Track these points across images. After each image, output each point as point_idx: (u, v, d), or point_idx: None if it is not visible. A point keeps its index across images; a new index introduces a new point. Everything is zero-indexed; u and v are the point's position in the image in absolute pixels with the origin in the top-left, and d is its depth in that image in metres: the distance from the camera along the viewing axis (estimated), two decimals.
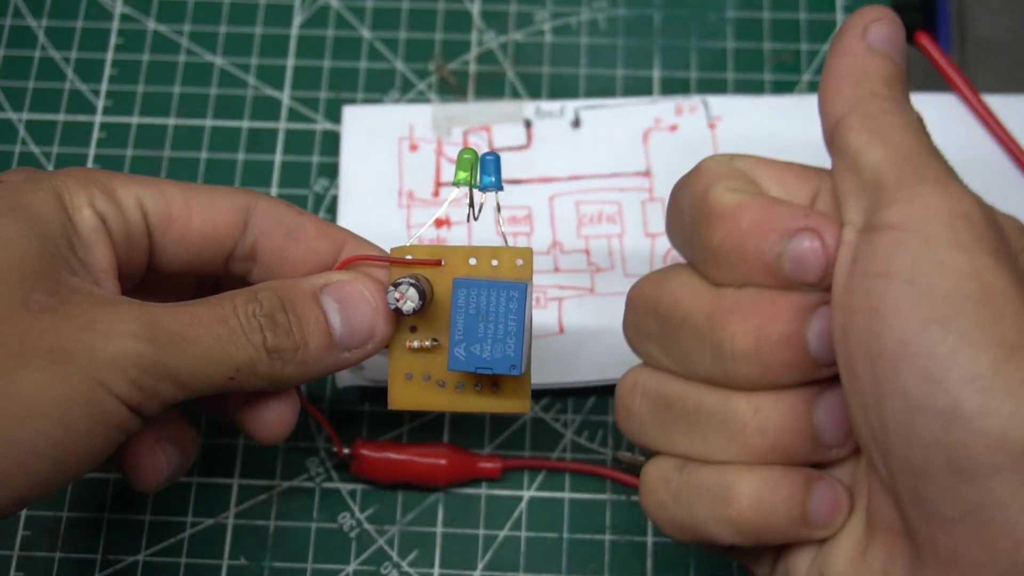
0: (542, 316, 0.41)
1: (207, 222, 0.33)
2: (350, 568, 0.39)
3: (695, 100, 0.45)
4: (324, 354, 0.33)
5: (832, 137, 0.28)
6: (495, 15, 0.47)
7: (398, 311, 0.32)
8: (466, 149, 0.34)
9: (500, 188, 0.34)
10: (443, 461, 0.39)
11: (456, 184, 0.34)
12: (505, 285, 0.31)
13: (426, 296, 0.32)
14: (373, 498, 0.40)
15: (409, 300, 0.32)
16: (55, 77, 0.46)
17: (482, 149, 0.44)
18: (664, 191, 0.43)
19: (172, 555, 0.39)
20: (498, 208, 0.35)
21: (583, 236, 0.43)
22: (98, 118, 0.46)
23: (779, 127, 0.44)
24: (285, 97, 0.46)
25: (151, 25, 0.47)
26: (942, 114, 0.44)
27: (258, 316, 0.31)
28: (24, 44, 0.47)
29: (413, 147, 0.44)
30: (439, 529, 0.39)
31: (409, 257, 0.33)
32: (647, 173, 0.43)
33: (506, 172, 0.43)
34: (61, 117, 0.46)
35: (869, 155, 0.26)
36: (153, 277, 0.34)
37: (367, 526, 0.40)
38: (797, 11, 0.47)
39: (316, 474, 0.40)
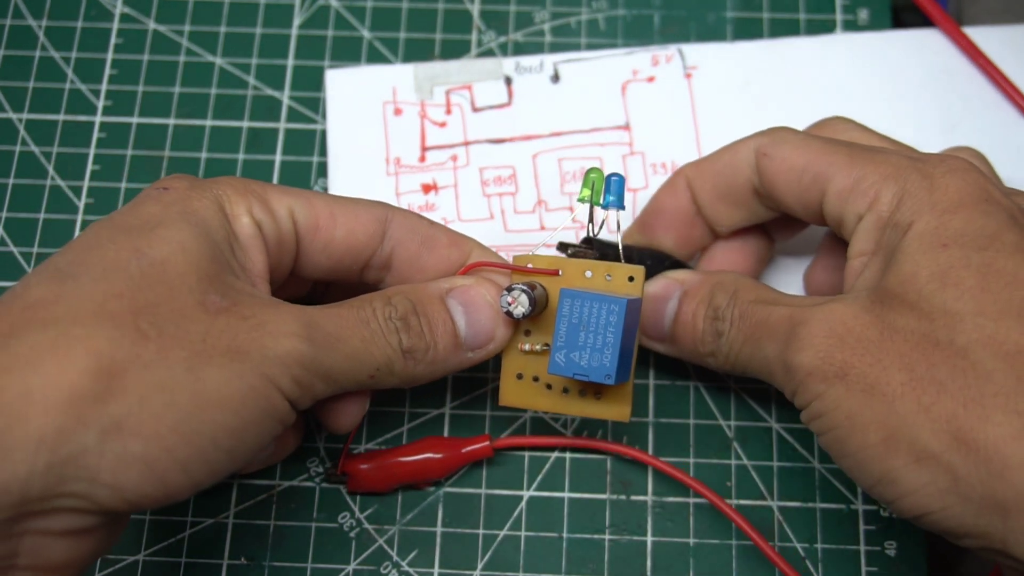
0: None
1: (350, 232, 0.35)
2: (350, 568, 0.39)
3: (671, 49, 0.45)
4: (451, 354, 0.35)
5: None
6: (495, 15, 0.47)
7: (509, 314, 0.34)
8: (593, 169, 0.36)
9: (621, 207, 0.36)
10: (431, 454, 0.39)
11: (580, 200, 0.36)
12: (608, 299, 0.33)
13: (536, 302, 0.34)
14: (373, 498, 0.40)
15: (520, 305, 0.34)
16: (55, 77, 0.46)
17: (465, 108, 0.44)
18: (643, 144, 0.44)
19: (172, 555, 0.39)
20: (618, 227, 0.37)
21: (566, 193, 0.43)
22: (98, 118, 0.46)
23: (754, 74, 0.45)
24: (285, 97, 0.46)
25: (151, 25, 0.47)
26: (914, 51, 0.45)
27: (394, 319, 0.34)
28: (24, 44, 0.47)
29: (397, 111, 0.44)
30: (439, 529, 0.40)
31: (530, 265, 0.36)
32: (627, 127, 0.44)
33: (489, 131, 0.44)
34: (61, 117, 0.46)
35: None
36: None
37: (367, 526, 0.40)
38: (797, 11, 0.47)
39: (316, 474, 0.40)
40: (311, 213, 0.34)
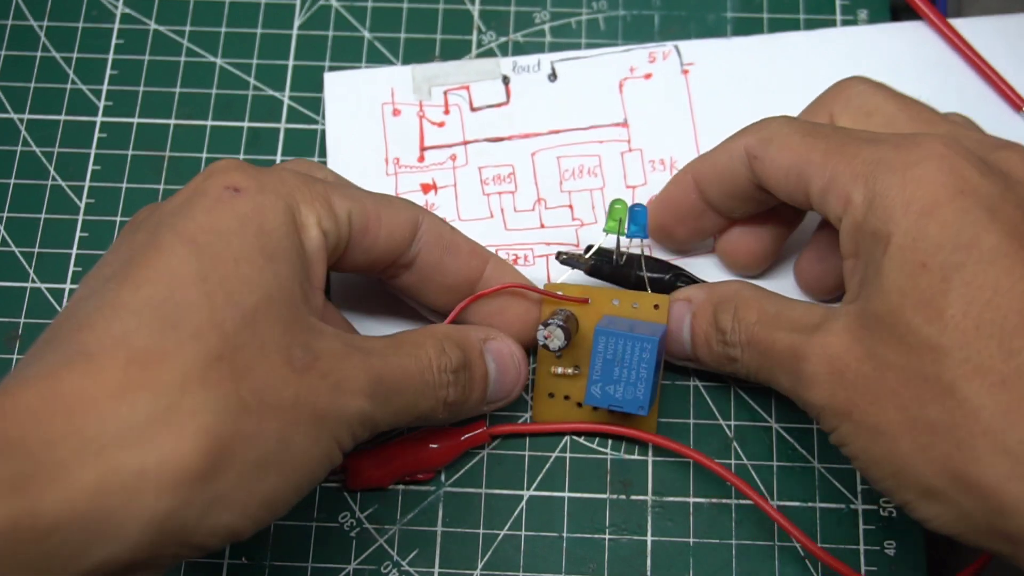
0: (531, 272, 0.42)
1: (391, 234, 0.35)
2: (350, 567, 0.39)
3: (667, 46, 0.45)
4: (476, 407, 0.37)
5: None
6: (495, 15, 0.47)
7: (545, 347, 0.36)
8: (617, 200, 0.38)
9: (645, 236, 0.38)
10: (432, 445, 0.39)
11: (606, 231, 0.38)
12: (640, 338, 0.35)
13: (571, 336, 0.37)
14: (373, 497, 0.40)
15: (555, 339, 0.36)
16: (56, 77, 0.46)
17: (463, 108, 0.45)
18: (641, 141, 0.44)
19: None
20: (642, 253, 0.39)
21: (566, 191, 0.43)
22: (99, 118, 0.46)
23: (751, 69, 0.45)
24: (285, 97, 0.46)
25: (152, 26, 0.47)
26: (909, 43, 0.45)
27: (448, 372, 0.34)
28: (26, 45, 0.47)
29: (396, 112, 0.45)
30: (439, 528, 0.40)
31: (560, 293, 0.38)
32: (624, 123, 0.44)
33: (488, 131, 0.45)
34: (62, 117, 0.46)
35: None
36: None
37: (367, 525, 0.40)
38: (797, 11, 0.47)
39: None
40: (363, 216, 0.34)
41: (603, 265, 0.39)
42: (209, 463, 0.27)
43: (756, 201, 0.37)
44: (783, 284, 0.41)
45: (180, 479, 0.27)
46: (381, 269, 0.36)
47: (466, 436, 0.39)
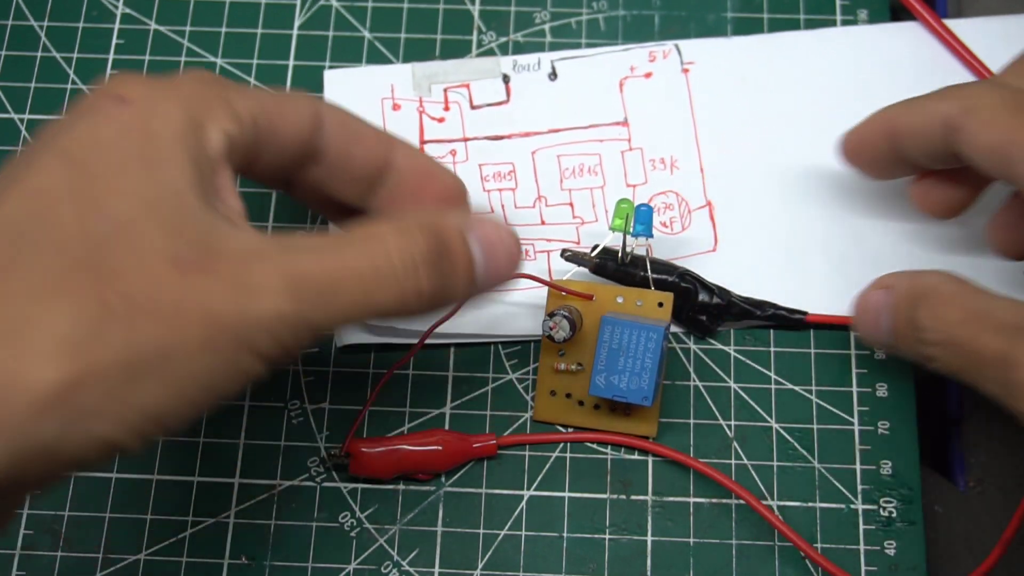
0: (531, 268, 0.42)
1: (297, 133, 0.33)
2: (350, 567, 0.39)
3: (667, 45, 0.45)
4: (466, 295, 0.32)
5: None
6: (495, 15, 0.47)
7: (551, 338, 0.37)
8: (623, 200, 0.38)
9: (650, 236, 0.38)
10: (439, 447, 0.39)
11: (612, 230, 0.38)
12: (646, 327, 0.36)
13: (576, 328, 0.37)
14: (373, 497, 0.40)
15: (561, 330, 0.37)
16: (57, 77, 0.46)
17: (463, 106, 0.45)
18: (641, 140, 0.44)
19: (173, 554, 0.39)
20: (647, 253, 0.39)
21: (566, 189, 0.43)
22: None
23: (751, 69, 0.45)
24: None
25: (152, 26, 0.47)
26: (909, 43, 0.45)
27: (416, 259, 0.30)
28: (26, 45, 0.47)
29: (396, 107, 0.45)
30: (439, 528, 0.40)
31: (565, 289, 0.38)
32: (625, 122, 0.44)
33: (487, 129, 0.45)
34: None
35: None
36: None
37: (367, 525, 0.40)
38: (797, 11, 0.47)
39: (316, 473, 0.40)
40: (267, 115, 0.32)
41: (608, 263, 0.39)
42: (66, 374, 0.25)
43: (953, 163, 0.36)
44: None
45: (33, 395, 0.25)
46: (293, 171, 0.34)
47: (477, 445, 0.39)
